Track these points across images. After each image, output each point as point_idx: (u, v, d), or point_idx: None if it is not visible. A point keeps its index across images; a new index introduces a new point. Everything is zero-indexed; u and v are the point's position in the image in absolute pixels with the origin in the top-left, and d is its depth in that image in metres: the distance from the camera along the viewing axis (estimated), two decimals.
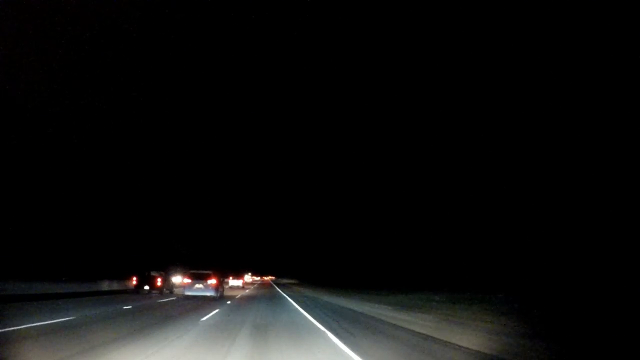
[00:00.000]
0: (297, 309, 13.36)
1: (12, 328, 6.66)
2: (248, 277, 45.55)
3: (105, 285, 20.50)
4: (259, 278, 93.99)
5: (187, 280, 17.84)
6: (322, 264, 63.35)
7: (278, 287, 43.54)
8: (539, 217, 19.04)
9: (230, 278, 40.49)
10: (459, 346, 5.75)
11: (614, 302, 10.10)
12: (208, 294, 17.32)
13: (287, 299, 19.52)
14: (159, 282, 19.62)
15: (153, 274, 19.93)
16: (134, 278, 19.61)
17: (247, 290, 30.37)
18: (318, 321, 9.26)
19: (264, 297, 21.35)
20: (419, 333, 7.20)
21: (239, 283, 40.88)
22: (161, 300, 15.88)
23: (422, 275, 29.01)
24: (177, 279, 23.56)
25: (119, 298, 16.04)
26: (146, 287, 19.22)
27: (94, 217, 25.76)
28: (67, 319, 8.33)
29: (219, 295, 18.11)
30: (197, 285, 17.41)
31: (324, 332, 7.47)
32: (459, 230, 26.83)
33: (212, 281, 17.53)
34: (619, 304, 9.69)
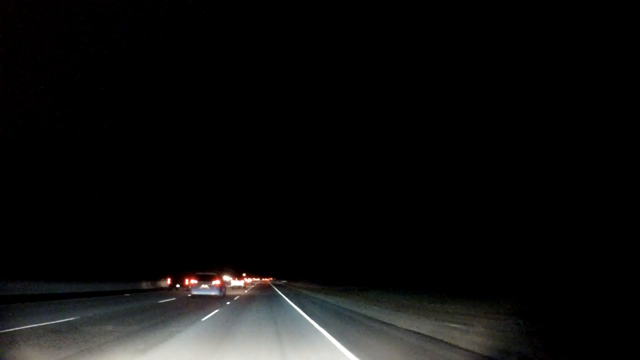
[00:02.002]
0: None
1: (119, 307, 13.21)
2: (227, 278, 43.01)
3: (144, 285, 27.00)
4: (258, 279, 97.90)
5: (194, 281, 19.83)
6: (323, 266, 60.70)
7: (276, 287, 49.65)
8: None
9: (232, 279, 46.68)
10: None
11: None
12: (213, 293, 19.16)
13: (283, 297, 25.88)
14: (186, 281, 26.11)
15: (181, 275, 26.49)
16: (169, 278, 26.14)
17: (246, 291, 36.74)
18: None
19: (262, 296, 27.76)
20: None
21: (241, 283, 47.31)
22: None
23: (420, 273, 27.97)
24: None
25: (162, 294, 22.50)
26: (177, 285, 25.75)
27: (126, 226, 31.81)
28: (164, 300, 14.87)
29: (222, 294, 20.21)
30: (203, 286, 19.28)
31: None
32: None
33: (217, 282, 19.65)
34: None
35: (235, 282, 45.36)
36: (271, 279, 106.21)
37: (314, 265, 62.56)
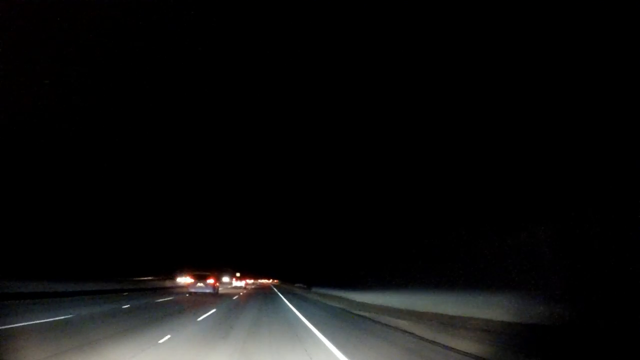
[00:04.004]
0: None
1: (170, 297, 19.38)
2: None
3: (167, 283, 33.28)
4: (260, 281, 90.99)
5: (191, 280, 22.62)
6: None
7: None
8: None
9: (234, 280, 52.27)
10: None
11: None
12: (207, 291, 21.87)
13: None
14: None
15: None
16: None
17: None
18: None
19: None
20: None
21: (242, 284, 52.87)
22: None
23: None
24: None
25: (178, 291, 28.67)
26: None
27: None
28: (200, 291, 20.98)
29: (215, 292, 22.91)
30: (198, 284, 22.11)
31: None
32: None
33: (211, 281, 22.58)
34: None
35: (237, 283, 51.60)
36: (274, 281, 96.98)
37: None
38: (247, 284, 57.61)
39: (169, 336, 6.64)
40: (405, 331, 8.29)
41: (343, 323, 10.40)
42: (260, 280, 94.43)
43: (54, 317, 8.34)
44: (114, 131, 26.51)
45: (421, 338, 7.27)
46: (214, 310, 12.21)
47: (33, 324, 7.41)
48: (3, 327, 6.79)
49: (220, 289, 26.65)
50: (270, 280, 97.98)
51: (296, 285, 48.43)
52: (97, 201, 28.08)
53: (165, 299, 17.05)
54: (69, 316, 8.79)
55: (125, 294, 19.37)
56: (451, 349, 6.19)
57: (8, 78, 15.77)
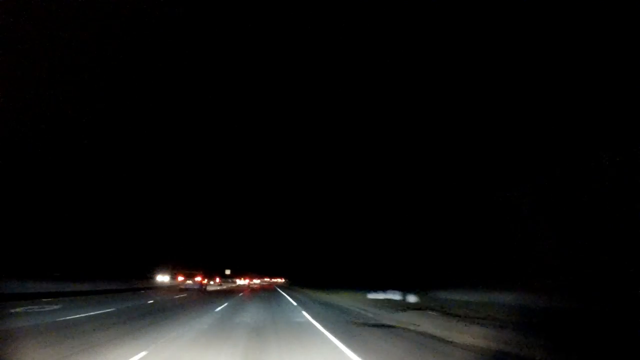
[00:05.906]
0: None
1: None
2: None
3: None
4: (257, 281, 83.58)
5: (181, 278, 25.75)
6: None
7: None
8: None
9: (238, 279, 56.14)
10: None
11: None
12: (195, 287, 25.09)
13: None
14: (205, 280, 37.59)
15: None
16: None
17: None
18: None
19: None
20: None
21: (245, 282, 56.82)
22: (211, 290, 34.18)
23: None
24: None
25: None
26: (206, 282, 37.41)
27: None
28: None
29: (203, 289, 26.00)
30: (188, 282, 25.35)
31: None
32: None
33: (198, 279, 25.91)
34: None
35: (241, 282, 56.50)
36: (284, 280, 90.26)
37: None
38: (249, 283, 59.10)
39: None
40: None
41: None
42: (274, 279, 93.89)
43: None
44: (113, 134, 27.45)
45: None
46: None
47: None
48: None
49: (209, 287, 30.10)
50: (282, 280, 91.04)
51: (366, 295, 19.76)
52: (98, 203, 28.15)
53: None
54: None
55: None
56: None
57: (8, 79, 15.63)
